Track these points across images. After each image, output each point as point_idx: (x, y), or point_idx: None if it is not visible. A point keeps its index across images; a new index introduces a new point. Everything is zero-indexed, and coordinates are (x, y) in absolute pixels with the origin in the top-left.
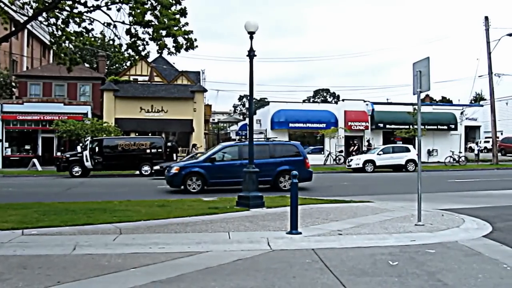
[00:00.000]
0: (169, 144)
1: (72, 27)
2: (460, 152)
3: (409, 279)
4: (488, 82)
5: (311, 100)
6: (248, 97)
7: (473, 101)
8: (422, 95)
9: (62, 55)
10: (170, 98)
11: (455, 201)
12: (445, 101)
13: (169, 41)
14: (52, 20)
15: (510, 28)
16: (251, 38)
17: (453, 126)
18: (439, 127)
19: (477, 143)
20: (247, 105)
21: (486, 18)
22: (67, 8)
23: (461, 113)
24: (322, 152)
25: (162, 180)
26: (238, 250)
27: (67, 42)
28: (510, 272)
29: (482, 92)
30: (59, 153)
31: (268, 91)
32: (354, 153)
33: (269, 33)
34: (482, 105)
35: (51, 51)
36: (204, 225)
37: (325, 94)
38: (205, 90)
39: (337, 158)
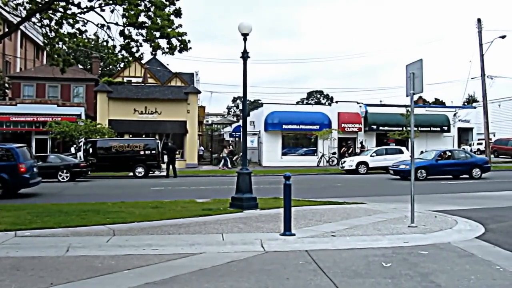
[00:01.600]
0: (170, 144)
1: (66, 28)
2: None
3: (402, 281)
4: (480, 84)
5: (305, 102)
6: (242, 99)
7: (466, 103)
8: (415, 97)
9: (56, 56)
10: (163, 99)
11: (448, 203)
12: (438, 103)
13: (163, 43)
14: (46, 21)
15: (503, 30)
16: (245, 39)
17: (446, 128)
18: (432, 129)
19: (470, 145)
20: (240, 107)
21: (479, 20)
22: (61, 9)
23: (454, 115)
24: (315, 154)
25: (156, 181)
26: (231, 251)
27: (60, 43)
28: (503, 273)
29: (475, 94)
30: None
31: (261, 92)
32: (347, 154)
33: (263, 34)
34: (474, 107)
35: (45, 52)
36: (198, 227)
37: (318, 95)
38: (199, 92)
39: (330, 160)
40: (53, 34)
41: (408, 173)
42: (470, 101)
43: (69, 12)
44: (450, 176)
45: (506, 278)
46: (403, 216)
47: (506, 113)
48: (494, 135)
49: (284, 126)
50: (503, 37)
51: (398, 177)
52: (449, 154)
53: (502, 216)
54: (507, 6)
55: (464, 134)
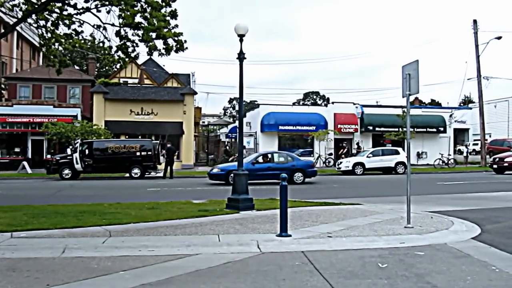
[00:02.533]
0: (169, 145)
1: (62, 29)
2: (449, 155)
3: (398, 282)
4: (476, 85)
5: (301, 103)
6: (238, 100)
7: (462, 104)
8: (411, 98)
9: (52, 57)
10: (160, 100)
11: (444, 203)
12: (434, 103)
13: (159, 43)
14: (42, 22)
15: (499, 31)
16: (241, 41)
17: (442, 129)
18: (428, 129)
19: (466, 146)
20: (237, 108)
21: (475, 21)
22: (57, 10)
23: (450, 115)
24: (312, 155)
25: (153, 182)
26: (228, 252)
27: (56, 44)
28: (499, 274)
29: (471, 95)
30: (49, 156)
31: (258, 93)
32: (343, 155)
33: (259, 35)
34: (470, 108)
35: (41, 53)
36: (194, 228)
37: (315, 96)
38: (195, 93)
39: (327, 161)
40: (49, 35)
41: (221, 177)
42: (466, 102)
43: (65, 13)
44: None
45: (502, 278)
46: (399, 217)
47: (501, 114)
48: (490, 136)
49: (280, 127)
50: (499, 38)
51: (223, 181)
52: (270, 157)
53: (498, 217)
54: (503, 7)
55: (460, 134)
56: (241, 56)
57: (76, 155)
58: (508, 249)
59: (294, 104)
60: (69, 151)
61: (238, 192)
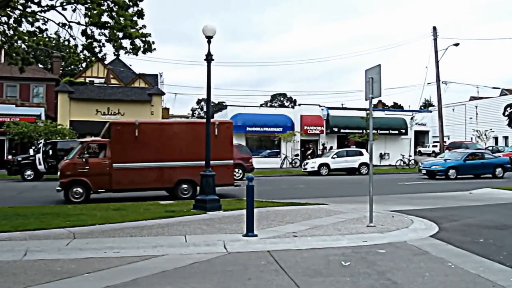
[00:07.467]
0: None
1: (25, 27)
2: (410, 156)
3: (360, 279)
4: (436, 89)
5: (269, 105)
6: (206, 101)
7: (422, 107)
8: (375, 101)
9: (14, 55)
10: (127, 100)
11: (405, 203)
12: (396, 106)
13: (126, 43)
14: (4, 19)
15: (456, 38)
16: (209, 42)
17: (403, 131)
18: (390, 131)
19: (426, 147)
20: (205, 109)
21: (434, 28)
22: (20, 6)
23: (411, 118)
24: (279, 156)
25: None
26: (194, 253)
27: (19, 41)
28: (454, 270)
29: (431, 98)
30: (10, 156)
31: (226, 95)
32: (309, 156)
33: (227, 37)
34: (430, 111)
35: (2, 51)
36: (161, 229)
37: (282, 98)
38: (163, 93)
39: (293, 162)
40: (11, 32)
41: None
42: (426, 105)
43: (28, 10)
44: None
45: (457, 274)
46: (362, 216)
47: (459, 117)
48: (449, 138)
49: (248, 128)
50: (457, 44)
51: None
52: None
53: (455, 215)
54: (460, 16)
55: (421, 136)
56: (209, 58)
57: (39, 155)
58: (463, 246)
59: (261, 105)
60: (31, 152)
61: (206, 193)
